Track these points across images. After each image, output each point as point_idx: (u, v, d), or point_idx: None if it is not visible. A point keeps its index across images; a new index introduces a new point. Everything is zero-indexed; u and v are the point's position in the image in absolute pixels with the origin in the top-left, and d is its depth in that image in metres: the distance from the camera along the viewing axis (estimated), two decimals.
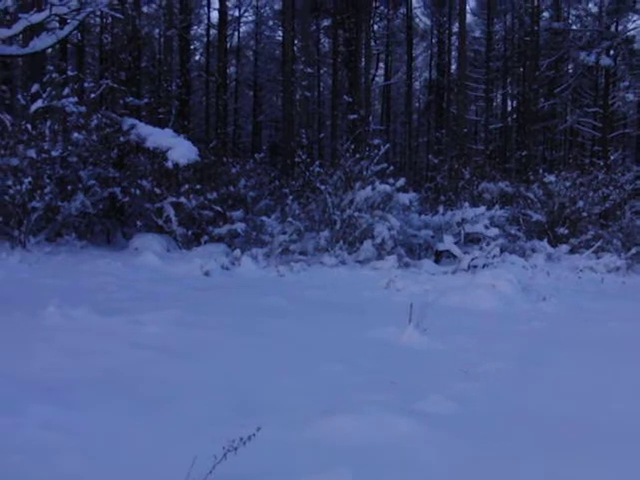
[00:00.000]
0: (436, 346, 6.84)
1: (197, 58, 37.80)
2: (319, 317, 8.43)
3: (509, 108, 39.91)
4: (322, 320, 8.21)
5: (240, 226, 15.08)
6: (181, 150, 15.34)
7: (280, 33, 34.18)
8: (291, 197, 15.52)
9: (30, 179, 13.40)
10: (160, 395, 4.88)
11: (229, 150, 24.82)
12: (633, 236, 18.15)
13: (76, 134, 14.67)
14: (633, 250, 17.00)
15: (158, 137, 15.66)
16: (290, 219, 14.63)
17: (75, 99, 15.40)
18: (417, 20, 40.22)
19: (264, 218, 14.99)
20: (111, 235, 15.99)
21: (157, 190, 15.21)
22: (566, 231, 18.05)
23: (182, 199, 15.13)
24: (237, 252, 13.53)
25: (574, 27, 36.67)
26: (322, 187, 15.03)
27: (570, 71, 37.02)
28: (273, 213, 15.40)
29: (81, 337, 6.44)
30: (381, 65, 39.96)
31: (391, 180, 15.22)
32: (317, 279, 12.25)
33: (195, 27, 35.34)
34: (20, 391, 4.73)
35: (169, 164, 15.20)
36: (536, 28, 33.21)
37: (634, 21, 35.89)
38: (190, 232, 15.30)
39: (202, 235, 15.18)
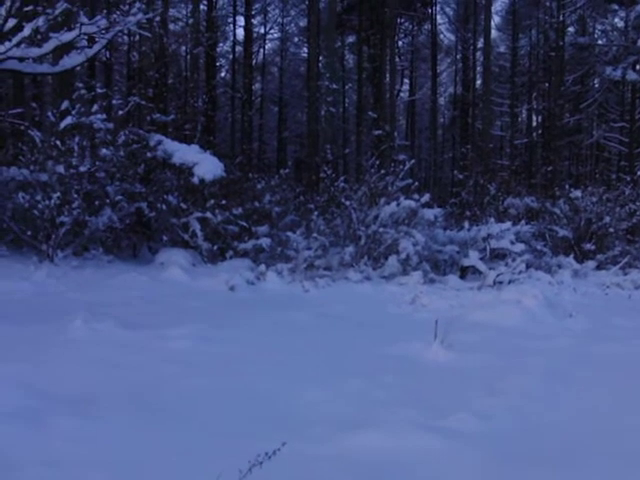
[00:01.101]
0: (461, 362, 6.80)
1: (223, 75, 38.16)
2: (344, 333, 8.43)
3: (534, 123, 39.79)
4: (347, 335, 8.21)
5: (265, 241, 15.13)
6: (207, 166, 15.44)
7: (305, 50, 34.50)
8: (316, 212, 15.53)
9: (59, 194, 13.56)
10: (185, 410, 4.91)
11: (254, 166, 24.99)
12: None
13: (104, 150, 14.85)
14: None
15: (184, 153, 15.78)
16: (315, 234, 14.64)
17: (103, 116, 15.60)
18: (442, 36, 40.38)
19: (289, 233, 15.02)
20: (137, 250, 16.11)
21: (183, 205, 15.32)
22: (593, 247, 17.91)
23: (208, 214, 15.22)
24: (262, 267, 13.56)
25: (600, 42, 36.54)
26: (347, 203, 15.05)
27: (596, 86, 36.84)
28: (298, 228, 15.41)
29: (107, 351, 6.49)
30: (406, 81, 40.14)
31: (416, 196, 15.22)
32: (342, 295, 12.23)
33: (221, 44, 35.72)
34: (45, 403, 4.77)
35: (195, 180, 15.31)
36: (561, 43, 33.19)
37: None
38: (215, 247, 15.37)
39: (227, 250, 15.23)
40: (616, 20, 36.38)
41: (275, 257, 14.93)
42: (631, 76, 33.11)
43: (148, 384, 5.50)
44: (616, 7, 35.88)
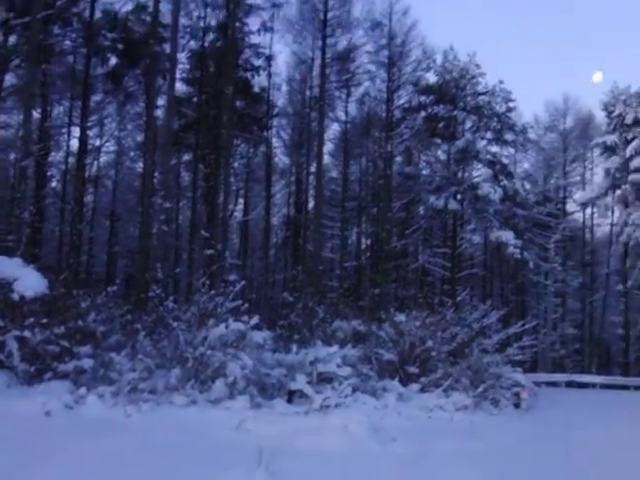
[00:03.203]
0: None
1: (53, 185, 37.18)
2: (164, 462, 8.12)
3: (363, 246, 41.39)
4: (168, 465, 7.91)
5: (87, 362, 14.45)
6: (29, 281, 14.78)
7: (141, 164, 34.42)
8: (143, 333, 15.14)
9: None
10: None
11: (82, 280, 24.24)
12: (480, 374, 18.70)
13: None
14: (480, 388, 17.58)
15: (5, 267, 15.06)
16: (141, 356, 14.21)
17: None
18: (276, 159, 41.65)
19: (113, 354, 14.49)
20: None
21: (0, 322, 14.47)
22: (417, 370, 18.38)
23: (26, 333, 14.41)
24: (82, 390, 12.88)
25: (424, 172, 39.11)
26: (174, 324, 14.79)
27: (421, 213, 39.08)
28: (123, 349, 14.91)
29: None
30: (240, 200, 40.73)
31: (245, 318, 15.17)
32: (166, 420, 11.81)
33: (53, 154, 34.97)
34: None
35: (15, 296, 14.56)
36: (389, 172, 35.13)
37: (478, 169, 38.66)
38: (33, 368, 14.49)
39: (46, 371, 14.40)
40: (439, 153, 39.20)
41: (97, 379, 14.28)
42: (452, 205, 35.55)
43: None
44: (439, 141, 38.65)
